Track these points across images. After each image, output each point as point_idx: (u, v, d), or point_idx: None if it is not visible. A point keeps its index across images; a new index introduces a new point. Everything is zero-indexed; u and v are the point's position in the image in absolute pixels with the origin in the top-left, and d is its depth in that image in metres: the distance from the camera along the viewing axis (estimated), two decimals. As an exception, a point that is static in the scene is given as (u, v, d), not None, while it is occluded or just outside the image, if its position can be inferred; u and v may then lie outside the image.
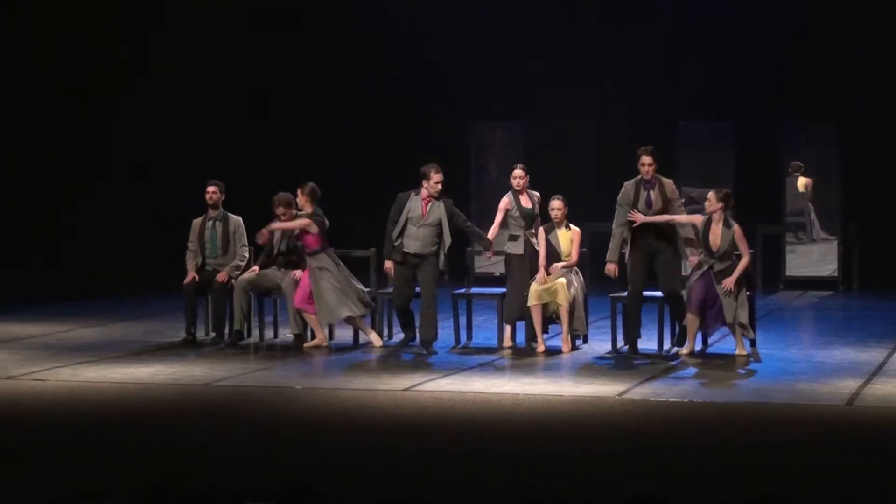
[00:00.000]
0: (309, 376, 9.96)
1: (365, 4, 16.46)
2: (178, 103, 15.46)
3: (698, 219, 10.57)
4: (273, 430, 7.98)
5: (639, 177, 10.57)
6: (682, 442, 7.70)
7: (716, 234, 10.36)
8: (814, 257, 15.76)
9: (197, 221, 11.40)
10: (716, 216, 10.37)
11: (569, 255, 10.73)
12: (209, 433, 7.89)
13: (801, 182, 15.77)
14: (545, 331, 10.73)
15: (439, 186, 10.71)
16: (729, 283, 10.24)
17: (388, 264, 10.83)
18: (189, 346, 11.00)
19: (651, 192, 10.50)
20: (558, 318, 10.68)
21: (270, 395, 9.11)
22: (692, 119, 15.97)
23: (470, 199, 15.10)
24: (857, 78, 15.63)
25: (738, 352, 10.42)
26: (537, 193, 11.02)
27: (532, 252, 10.81)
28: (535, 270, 10.75)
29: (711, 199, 10.42)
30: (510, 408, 8.56)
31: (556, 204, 10.77)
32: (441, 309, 10.96)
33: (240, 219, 11.37)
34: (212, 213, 11.33)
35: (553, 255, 10.74)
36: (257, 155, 15.16)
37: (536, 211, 10.94)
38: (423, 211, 10.70)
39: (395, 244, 10.72)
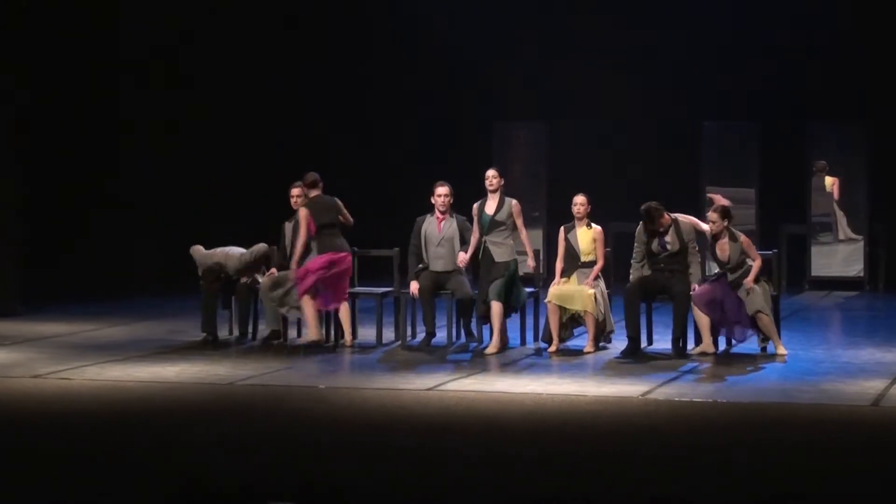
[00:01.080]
0: (332, 376, 9.98)
1: (388, 3, 16.47)
2: (200, 104, 15.50)
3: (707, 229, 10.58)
4: (296, 430, 8.00)
5: None
6: (706, 442, 7.67)
7: (723, 249, 10.44)
8: (840, 257, 15.69)
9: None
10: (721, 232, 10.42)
11: (588, 254, 10.67)
12: (233, 432, 7.91)
13: (829, 181, 15.71)
14: (566, 336, 10.72)
15: (441, 199, 10.81)
16: (749, 281, 10.27)
17: (414, 286, 10.90)
18: (210, 346, 11.03)
19: (666, 235, 10.49)
20: (581, 319, 10.66)
21: (294, 394, 9.14)
22: (717, 119, 15.93)
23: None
24: (885, 78, 15.54)
25: (778, 351, 10.38)
26: (514, 201, 10.77)
27: (485, 255, 10.66)
28: (483, 270, 10.64)
29: (715, 220, 10.43)
30: (533, 408, 8.56)
31: (579, 199, 10.72)
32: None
33: None
34: None
35: (572, 254, 10.70)
36: (277, 156, 15.17)
37: (501, 219, 10.64)
38: (437, 229, 10.85)
39: (419, 267, 10.88)
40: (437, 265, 10.86)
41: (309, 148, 15.37)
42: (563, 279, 10.69)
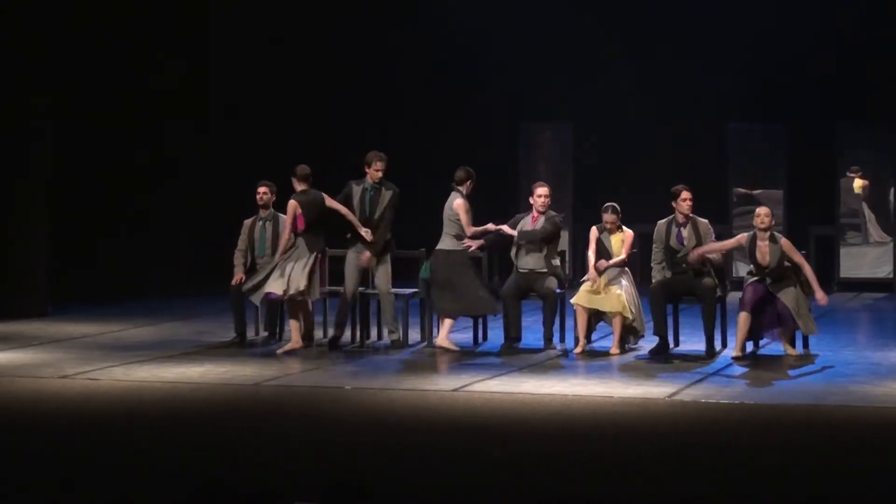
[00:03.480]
0: (358, 376, 9.98)
1: (415, 3, 16.49)
2: (229, 105, 15.55)
3: (732, 243, 10.52)
4: (322, 430, 8.01)
5: (671, 216, 10.55)
6: (732, 443, 7.64)
7: (763, 251, 10.30)
8: (869, 259, 15.61)
9: (248, 222, 11.49)
10: (761, 233, 10.29)
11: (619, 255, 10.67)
12: (258, 433, 7.93)
13: (858, 183, 15.61)
14: (591, 332, 10.71)
15: (540, 200, 10.79)
16: (822, 297, 10.18)
17: None
18: (239, 347, 11.07)
19: (682, 230, 10.47)
20: (608, 318, 10.64)
21: (320, 395, 9.15)
22: (743, 121, 15.87)
23: (519, 200, 15.08)
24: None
25: (788, 352, 10.37)
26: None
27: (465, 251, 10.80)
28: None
29: (762, 216, 10.33)
30: (559, 409, 8.54)
31: (608, 217, 10.65)
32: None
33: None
34: (262, 213, 11.42)
35: (605, 256, 10.68)
36: (303, 156, 15.18)
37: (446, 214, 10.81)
38: (531, 226, 10.82)
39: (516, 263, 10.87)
40: (528, 263, 10.73)
41: (335, 149, 15.40)
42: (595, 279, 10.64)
